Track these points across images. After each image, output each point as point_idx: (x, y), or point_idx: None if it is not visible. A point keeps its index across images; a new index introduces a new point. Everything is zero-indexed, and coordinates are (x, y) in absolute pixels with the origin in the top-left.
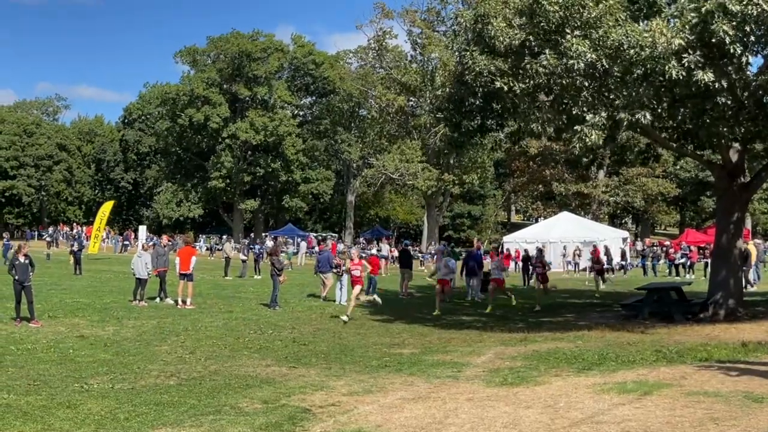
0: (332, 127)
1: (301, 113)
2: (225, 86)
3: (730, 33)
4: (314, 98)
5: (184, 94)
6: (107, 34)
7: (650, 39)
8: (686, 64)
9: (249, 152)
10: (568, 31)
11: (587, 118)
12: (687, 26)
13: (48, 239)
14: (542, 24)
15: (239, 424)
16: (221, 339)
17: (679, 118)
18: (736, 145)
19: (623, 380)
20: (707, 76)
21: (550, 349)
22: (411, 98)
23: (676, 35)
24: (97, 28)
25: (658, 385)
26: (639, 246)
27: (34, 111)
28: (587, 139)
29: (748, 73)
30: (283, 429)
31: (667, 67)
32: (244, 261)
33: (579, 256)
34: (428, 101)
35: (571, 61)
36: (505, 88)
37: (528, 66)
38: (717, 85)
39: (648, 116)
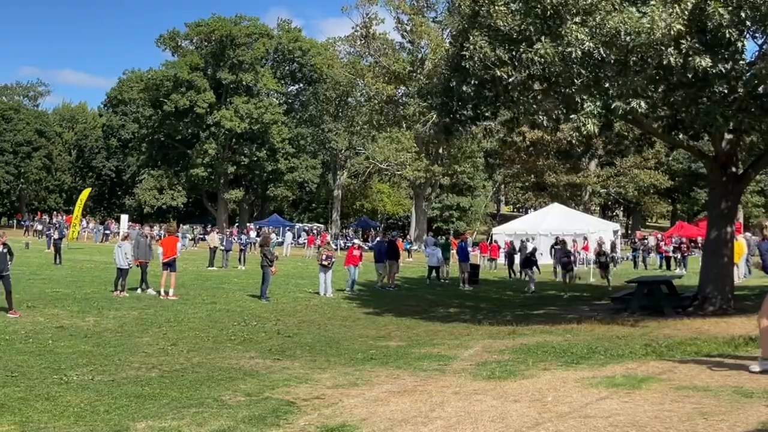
0: (319, 116)
1: (288, 101)
2: (209, 71)
3: (726, 17)
4: (301, 86)
5: (167, 79)
6: (93, 17)
7: (648, 25)
8: (683, 50)
9: (233, 140)
10: (567, 17)
11: (584, 107)
12: (685, 12)
13: (39, 227)
14: (537, 10)
15: (222, 417)
16: (204, 330)
17: (675, 106)
18: (729, 136)
19: (612, 374)
20: (704, 62)
21: (539, 342)
22: (400, 87)
23: (675, 20)
24: (83, 10)
25: (647, 379)
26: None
27: (15, 96)
28: (584, 128)
29: (741, 62)
30: (266, 422)
31: (664, 54)
32: (226, 251)
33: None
34: (417, 88)
35: (569, 49)
36: (504, 76)
37: (523, 55)
38: (715, 70)
39: (643, 105)
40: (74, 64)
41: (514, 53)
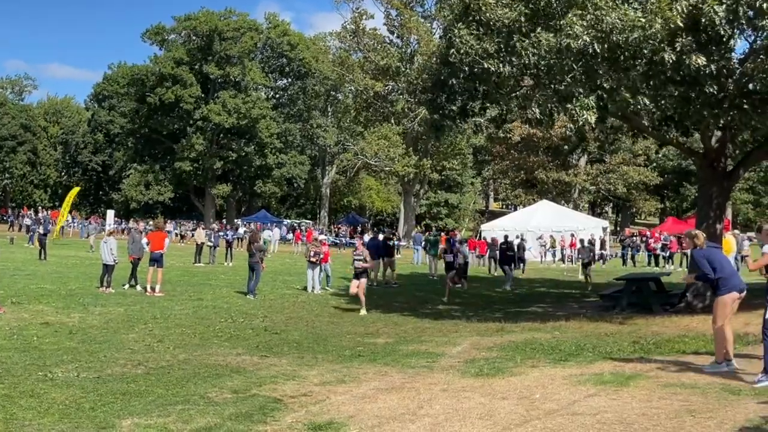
0: (307, 111)
1: (276, 96)
2: (196, 66)
3: (720, 15)
4: (289, 81)
5: (153, 74)
6: (81, 9)
7: (643, 20)
8: (678, 48)
9: (221, 135)
10: (561, 10)
11: (577, 100)
12: (684, 10)
13: (28, 222)
14: (531, 2)
15: (208, 414)
16: (191, 327)
17: (665, 104)
18: (719, 133)
19: (600, 371)
20: (700, 60)
21: (527, 339)
22: (389, 83)
23: (676, 17)
24: (70, 3)
25: (635, 376)
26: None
27: (0, 90)
28: (580, 119)
29: (733, 61)
30: (253, 419)
31: (657, 50)
32: (212, 247)
33: (553, 246)
34: (407, 84)
35: (567, 41)
36: (492, 68)
37: (517, 44)
38: (707, 70)
39: (647, 101)
40: (61, 57)
41: (504, 44)
